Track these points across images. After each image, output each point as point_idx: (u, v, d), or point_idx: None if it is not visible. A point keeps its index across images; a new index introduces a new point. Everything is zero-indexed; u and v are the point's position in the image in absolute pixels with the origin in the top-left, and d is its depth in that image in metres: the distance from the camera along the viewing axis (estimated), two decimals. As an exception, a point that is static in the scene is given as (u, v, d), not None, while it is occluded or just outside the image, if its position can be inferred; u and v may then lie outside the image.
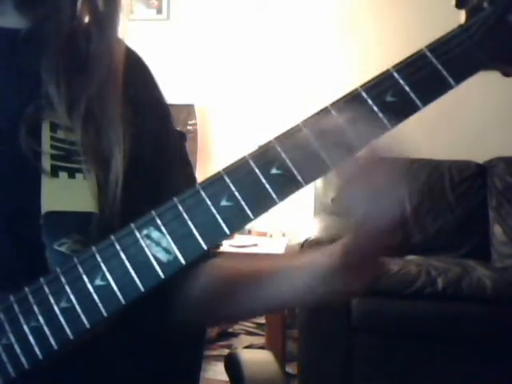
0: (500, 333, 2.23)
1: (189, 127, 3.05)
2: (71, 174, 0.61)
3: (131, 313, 0.64)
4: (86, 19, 0.69)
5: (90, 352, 0.61)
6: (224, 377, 0.96)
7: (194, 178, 0.84)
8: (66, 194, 0.60)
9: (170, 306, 0.72)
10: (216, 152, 3.24)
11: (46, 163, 0.60)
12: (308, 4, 3.20)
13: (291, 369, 2.49)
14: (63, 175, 0.60)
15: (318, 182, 2.89)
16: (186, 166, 0.83)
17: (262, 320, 2.77)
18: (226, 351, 2.63)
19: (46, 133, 0.62)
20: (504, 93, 2.93)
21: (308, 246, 2.27)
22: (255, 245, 2.63)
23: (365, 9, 3.14)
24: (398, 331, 2.28)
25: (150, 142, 0.71)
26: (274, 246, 2.66)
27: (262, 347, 2.67)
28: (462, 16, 0.55)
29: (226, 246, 2.55)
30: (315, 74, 3.13)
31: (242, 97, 3.14)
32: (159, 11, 3.38)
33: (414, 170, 2.81)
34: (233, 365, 0.92)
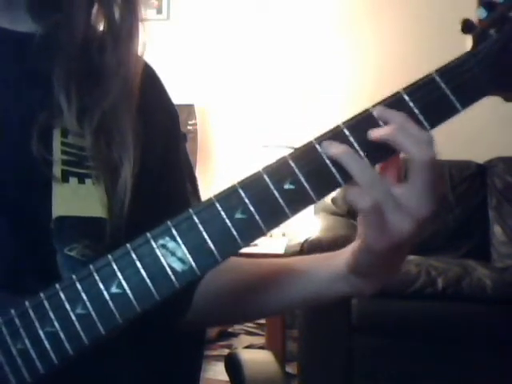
0: (500, 333, 2.23)
1: (189, 127, 3.05)
2: (81, 179, 0.61)
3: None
4: (101, 28, 0.67)
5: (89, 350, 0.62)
6: (224, 377, 0.96)
7: (194, 178, 0.84)
8: (76, 199, 0.60)
9: (186, 303, 0.73)
10: (216, 152, 3.24)
11: (57, 169, 0.60)
12: (308, 5, 3.20)
13: (291, 369, 2.49)
14: (73, 180, 0.61)
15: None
16: (186, 167, 0.83)
17: (262, 320, 2.77)
18: (226, 351, 2.63)
19: (57, 139, 0.61)
20: (504, 93, 2.92)
21: (308, 246, 2.27)
22: (255, 245, 2.63)
23: (364, 10, 3.14)
24: (398, 331, 2.28)
25: (158, 150, 0.71)
26: (274, 245, 2.65)
27: (262, 347, 2.67)
28: (467, 39, 0.56)
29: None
30: (315, 74, 3.13)
31: (242, 97, 3.14)
32: (159, 11, 3.38)
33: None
34: (233, 365, 0.92)
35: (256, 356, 1.02)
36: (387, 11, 3.11)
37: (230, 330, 2.97)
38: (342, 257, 0.63)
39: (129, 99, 0.65)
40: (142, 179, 0.64)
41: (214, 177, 3.11)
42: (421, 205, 0.52)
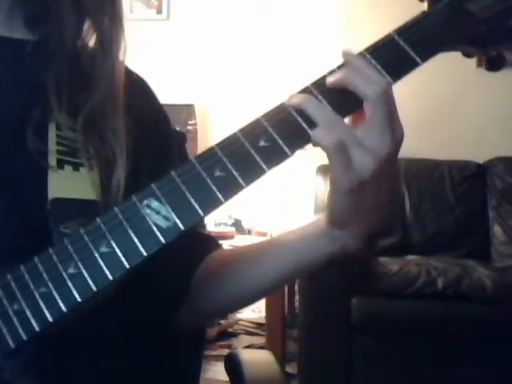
0: (500, 333, 2.24)
1: (189, 127, 3.05)
2: (76, 167, 0.65)
3: (134, 312, 0.65)
4: (92, 41, 0.72)
5: (89, 349, 0.62)
6: (224, 377, 0.96)
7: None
8: (71, 183, 0.64)
9: (176, 302, 0.74)
10: (216, 152, 3.24)
11: (53, 158, 0.64)
12: (308, 5, 3.20)
13: (291, 369, 2.49)
14: (68, 168, 0.65)
15: (319, 182, 2.89)
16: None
17: (262, 320, 2.77)
18: (226, 351, 2.63)
19: (52, 132, 0.65)
20: (504, 93, 2.93)
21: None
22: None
23: (363, 5, 3.14)
24: (398, 331, 2.28)
25: (151, 150, 0.73)
26: (274, 245, 2.65)
27: (261, 347, 2.68)
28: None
29: (226, 247, 2.55)
30: (315, 73, 3.13)
31: (242, 97, 3.14)
32: (159, 11, 3.38)
33: (413, 170, 2.82)
34: (233, 365, 0.92)
35: (256, 356, 1.02)
36: (386, 7, 3.11)
37: (230, 330, 2.97)
38: (323, 217, 0.65)
39: (116, 100, 0.69)
40: (135, 178, 0.66)
41: (214, 177, 3.10)
42: (380, 139, 0.55)
